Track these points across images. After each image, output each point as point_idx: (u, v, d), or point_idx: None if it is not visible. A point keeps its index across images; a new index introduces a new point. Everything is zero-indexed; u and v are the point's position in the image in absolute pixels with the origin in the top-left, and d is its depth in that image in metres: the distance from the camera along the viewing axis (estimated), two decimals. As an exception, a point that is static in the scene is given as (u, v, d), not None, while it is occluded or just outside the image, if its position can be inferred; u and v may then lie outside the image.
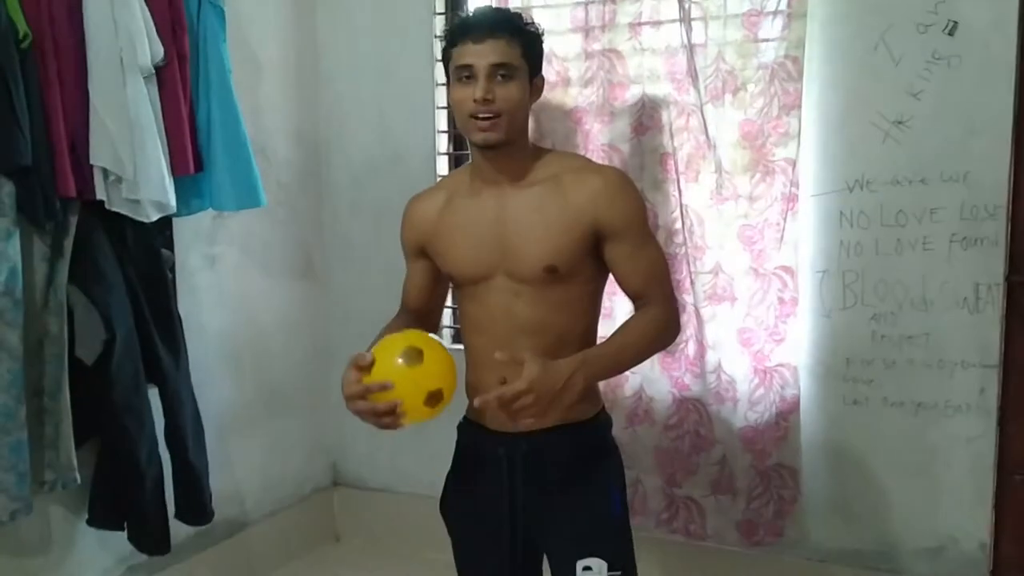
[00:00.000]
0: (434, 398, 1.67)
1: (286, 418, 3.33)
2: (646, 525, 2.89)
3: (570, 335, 1.89)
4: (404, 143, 3.26)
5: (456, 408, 1.89)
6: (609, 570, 1.88)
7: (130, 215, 2.39)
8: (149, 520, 2.55)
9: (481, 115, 1.76)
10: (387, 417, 1.65)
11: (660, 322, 1.86)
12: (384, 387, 1.65)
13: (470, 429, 2.01)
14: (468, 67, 1.76)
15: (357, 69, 3.31)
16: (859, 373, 2.70)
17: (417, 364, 1.67)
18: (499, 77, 1.76)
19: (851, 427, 2.74)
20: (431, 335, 1.77)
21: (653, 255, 1.91)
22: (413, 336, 1.72)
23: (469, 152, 1.92)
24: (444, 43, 1.85)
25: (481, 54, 1.75)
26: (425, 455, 3.37)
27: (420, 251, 2.00)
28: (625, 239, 1.85)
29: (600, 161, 2.80)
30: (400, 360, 1.68)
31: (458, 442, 2.06)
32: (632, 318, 1.87)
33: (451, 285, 2.05)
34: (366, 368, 1.68)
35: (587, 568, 1.87)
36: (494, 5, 2.91)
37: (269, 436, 3.25)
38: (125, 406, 2.44)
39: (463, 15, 1.91)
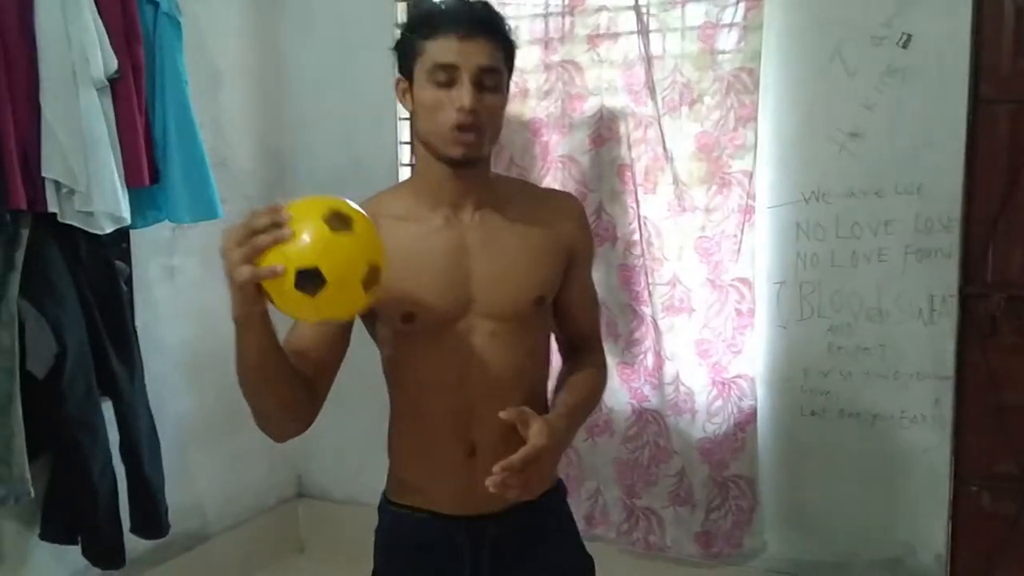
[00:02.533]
0: (373, 277, 1.30)
1: (249, 430, 3.23)
2: (606, 536, 2.90)
3: (540, 386, 1.66)
4: (367, 153, 3.25)
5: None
6: None
7: (83, 227, 2.37)
8: (103, 534, 2.54)
9: (465, 126, 1.46)
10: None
11: (604, 373, 1.74)
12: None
13: (410, 516, 1.62)
14: (452, 67, 1.45)
15: (320, 79, 3.30)
16: (816, 384, 2.70)
17: (348, 232, 1.28)
18: (485, 84, 1.47)
19: (808, 438, 2.74)
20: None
21: (596, 293, 1.77)
22: (334, 201, 1.30)
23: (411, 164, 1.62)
24: (409, 30, 1.52)
25: (470, 54, 1.44)
26: (390, 466, 3.37)
27: None
28: (585, 270, 1.69)
29: (559, 172, 2.83)
30: (326, 225, 1.26)
31: (389, 533, 1.68)
32: (582, 371, 1.66)
33: (385, 337, 1.62)
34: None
35: None
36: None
37: (231, 448, 3.22)
38: (77, 420, 2.43)
39: (434, 2, 1.55)
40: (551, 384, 1.69)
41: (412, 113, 1.55)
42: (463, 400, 1.55)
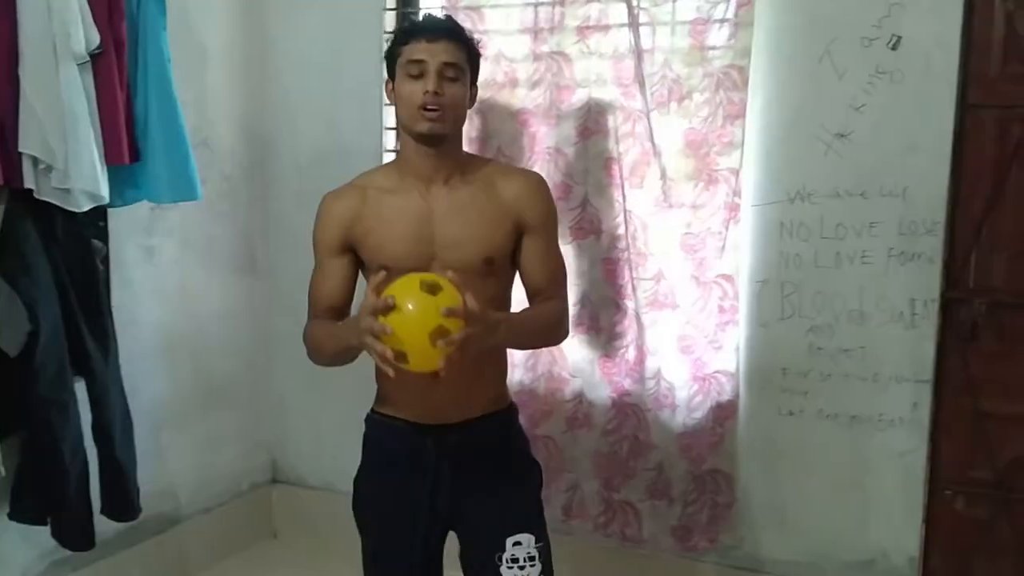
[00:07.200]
0: (438, 333, 1.65)
1: (224, 413, 3.28)
2: (583, 528, 2.90)
3: None
4: (352, 138, 3.22)
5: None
6: (536, 543, 1.99)
7: (60, 204, 2.33)
8: (72, 515, 2.50)
9: (430, 107, 1.86)
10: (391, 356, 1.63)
11: (559, 314, 2.05)
12: (388, 305, 1.64)
13: (388, 423, 2.04)
14: (420, 63, 1.87)
15: (306, 62, 3.26)
16: (795, 384, 2.70)
17: (431, 295, 1.66)
18: (448, 76, 1.88)
19: (785, 438, 2.74)
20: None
21: (559, 257, 2.08)
22: (430, 276, 1.73)
23: (396, 149, 1.95)
24: (392, 42, 1.96)
25: (434, 52, 1.87)
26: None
27: (343, 247, 2.00)
28: (539, 236, 2.01)
29: (546, 164, 2.81)
30: (419, 286, 1.67)
31: (372, 437, 2.10)
32: (537, 303, 2.02)
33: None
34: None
35: (517, 543, 1.98)
36: (444, 10, 2.90)
37: (206, 431, 3.20)
38: (49, 399, 2.39)
39: (414, 19, 2.02)
40: None
41: (395, 106, 1.94)
42: None
